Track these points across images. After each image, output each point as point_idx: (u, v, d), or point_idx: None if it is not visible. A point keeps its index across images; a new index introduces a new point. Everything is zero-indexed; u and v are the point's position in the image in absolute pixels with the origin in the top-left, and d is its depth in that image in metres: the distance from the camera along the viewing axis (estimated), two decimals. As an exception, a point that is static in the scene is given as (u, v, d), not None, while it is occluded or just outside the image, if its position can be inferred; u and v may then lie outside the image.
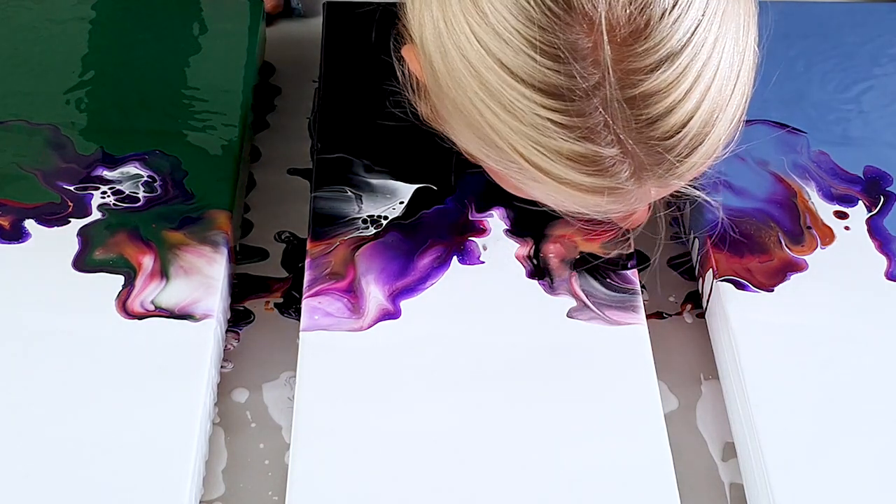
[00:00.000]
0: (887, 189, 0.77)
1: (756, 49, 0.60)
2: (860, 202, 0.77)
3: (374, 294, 0.71)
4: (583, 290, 0.72)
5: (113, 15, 0.86)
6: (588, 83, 0.55)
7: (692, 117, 0.57)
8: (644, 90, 0.56)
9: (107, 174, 0.76)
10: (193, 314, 0.69)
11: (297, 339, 0.70)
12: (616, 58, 0.55)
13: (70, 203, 0.74)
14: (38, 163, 0.76)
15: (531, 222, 0.75)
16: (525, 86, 0.56)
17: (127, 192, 0.75)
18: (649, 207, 0.69)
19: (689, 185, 0.63)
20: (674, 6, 0.55)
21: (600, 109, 0.56)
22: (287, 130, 0.85)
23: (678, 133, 0.57)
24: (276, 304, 0.74)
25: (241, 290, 0.75)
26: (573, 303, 0.71)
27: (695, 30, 0.56)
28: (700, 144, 0.58)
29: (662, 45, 0.55)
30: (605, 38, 0.55)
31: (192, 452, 0.63)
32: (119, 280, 0.70)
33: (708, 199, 0.65)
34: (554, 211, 0.65)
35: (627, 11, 0.55)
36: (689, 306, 0.76)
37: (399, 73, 0.67)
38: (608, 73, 0.55)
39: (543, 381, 0.68)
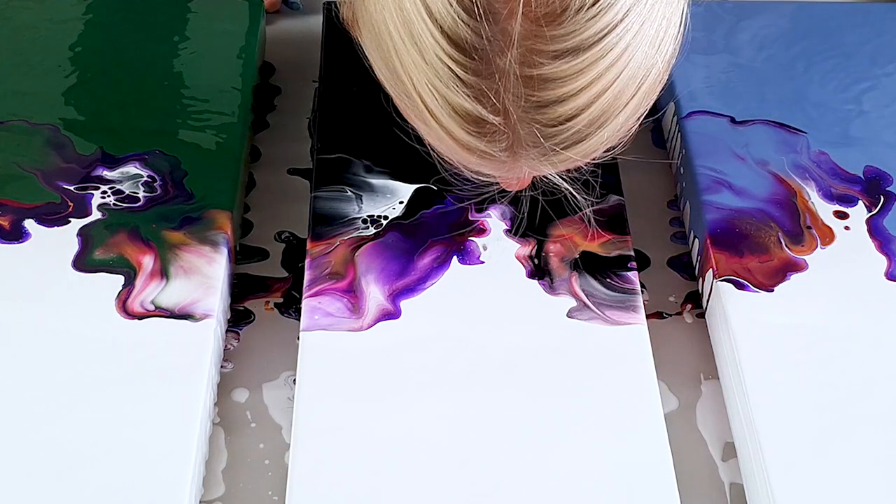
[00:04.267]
0: (887, 189, 0.77)
1: (669, 64, 0.60)
2: (860, 202, 0.77)
3: (374, 294, 0.71)
4: (583, 290, 0.72)
5: (113, 15, 0.86)
6: (493, 48, 0.56)
7: (580, 114, 0.57)
8: (542, 73, 0.56)
9: (107, 174, 0.76)
10: (193, 314, 0.69)
11: (297, 339, 0.70)
12: (524, 34, 0.55)
13: (70, 203, 0.74)
14: (38, 163, 0.76)
15: (532, 222, 0.75)
16: (437, 28, 0.56)
17: (127, 192, 0.75)
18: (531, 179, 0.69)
19: (561, 175, 0.63)
20: (594, 3, 0.55)
21: (496, 77, 0.56)
22: (287, 130, 0.85)
23: (562, 124, 0.58)
24: (276, 304, 0.74)
25: (241, 290, 0.75)
26: (573, 303, 0.71)
27: (608, 32, 0.56)
28: (581, 141, 0.59)
29: (572, 37, 0.55)
30: (521, 10, 0.55)
31: (192, 452, 0.63)
32: (119, 280, 0.70)
33: (575, 193, 0.64)
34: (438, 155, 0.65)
35: None
36: (689, 306, 0.76)
37: None
38: (513, 46, 0.55)
39: (543, 381, 0.68)
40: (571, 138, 0.58)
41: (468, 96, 0.57)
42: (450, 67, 0.56)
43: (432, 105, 0.58)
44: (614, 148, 0.61)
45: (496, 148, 0.59)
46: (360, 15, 0.62)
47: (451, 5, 0.55)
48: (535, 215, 0.75)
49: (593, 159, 0.61)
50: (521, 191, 0.70)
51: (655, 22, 0.57)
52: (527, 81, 0.56)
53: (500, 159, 0.60)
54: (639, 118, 0.60)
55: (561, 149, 0.59)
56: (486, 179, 0.64)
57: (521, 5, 0.55)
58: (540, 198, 0.72)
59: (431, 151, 0.64)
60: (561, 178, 0.63)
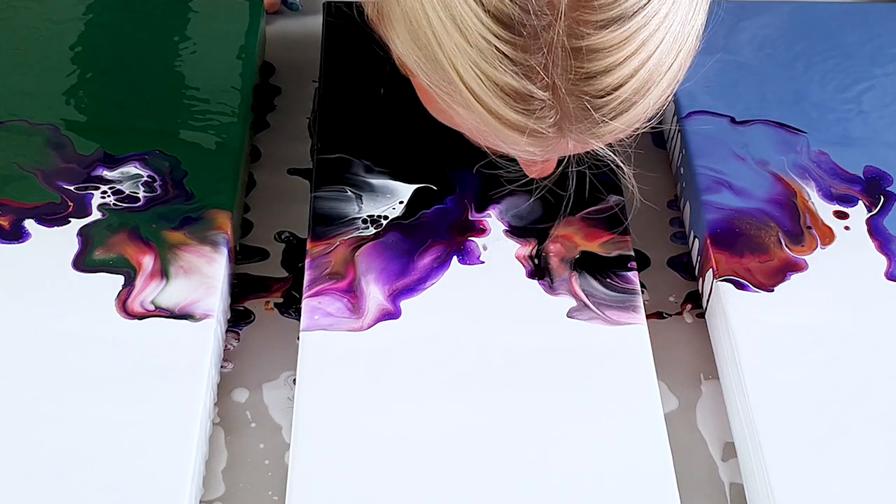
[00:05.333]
0: (887, 189, 0.77)
1: (699, 37, 0.61)
2: (860, 202, 0.77)
3: (374, 294, 0.71)
4: (583, 290, 0.72)
5: (113, 15, 0.86)
6: (540, 22, 0.56)
7: (626, 82, 0.58)
8: (589, 44, 0.57)
9: (107, 174, 0.76)
10: (193, 314, 0.69)
11: (297, 339, 0.70)
12: (571, 5, 0.56)
13: (70, 203, 0.74)
14: (38, 163, 0.76)
15: (532, 223, 0.75)
16: (481, 7, 0.56)
17: (127, 192, 0.75)
18: (557, 163, 0.70)
19: (605, 148, 0.64)
20: None
21: (544, 51, 0.57)
22: (287, 130, 0.85)
23: (610, 94, 0.58)
24: (276, 304, 0.74)
25: (241, 290, 0.75)
26: (573, 303, 0.71)
27: (649, 0, 0.57)
28: (626, 111, 0.60)
29: (616, 6, 0.56)
30: None
31: (192, 452, 0.63)
32: (119, 280, 0.70)
33: (622, 164, 0.65)
34: (474, 142, 0.66)
35: None
36: (689, 306, 0.76)
37: None
38: (560, 18, 0.56)
39: (543, 381, 0.68)
40: (618, 108, 0.59)
41: (516, 74, 0.57)
42: (496, 47, 0.57)
43: (477, 87, 0.58)
44: (653, 118, 0.62)
45: (544, 124, 0.59)
46: (389, 7, 0.62)
47: None
48: (536, 215, 0.75)
49: (635, 130, 0.62)
50: (545, 177, 0.71)
51: None
52: (574, 53, 0.57)
53: (547, 136, 0.60)
54: (677, 83, 0.62)
55: (608, 120, 0.59)
56: (515, 158, 0.65)
57: None
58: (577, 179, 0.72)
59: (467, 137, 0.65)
60: (607, 150, 0.64)
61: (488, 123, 0.60)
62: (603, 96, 0.58)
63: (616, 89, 0.58)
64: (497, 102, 0.59)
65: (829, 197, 0.77)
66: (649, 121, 0.62)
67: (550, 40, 0.57)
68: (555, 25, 0.56)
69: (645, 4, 0.57)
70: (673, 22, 0.58)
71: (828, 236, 0.75)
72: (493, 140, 0.62)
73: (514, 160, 0.69)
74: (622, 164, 0.65)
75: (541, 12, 0.56)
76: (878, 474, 0.64)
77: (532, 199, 0.74)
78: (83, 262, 0.71)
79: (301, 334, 0.69)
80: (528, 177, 0.71)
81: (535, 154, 0.63)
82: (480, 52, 0.57)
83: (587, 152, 0.65)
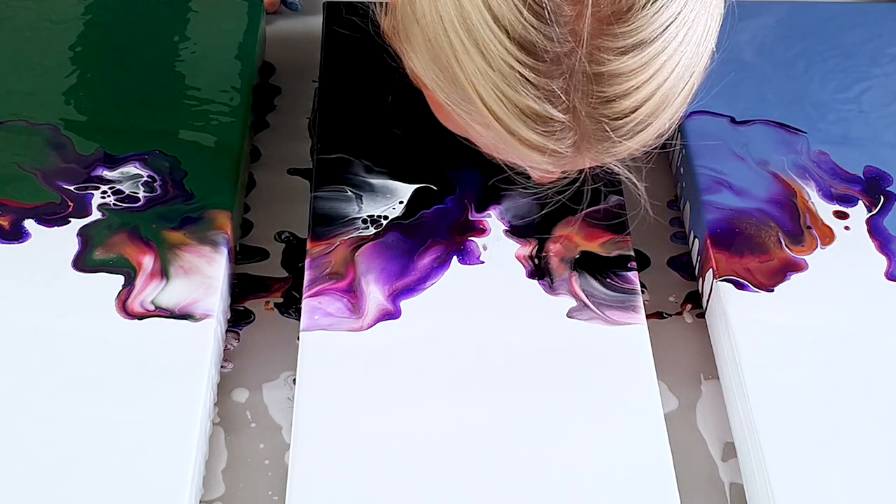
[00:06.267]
0: (887, 189, 0.77)
1: (714, 52, 0.63)
2: (860, 202, 0.77)
3: (374, 294, 0.71)
4: (583, 290, 0.72)
5: (112, 15, 0.86)
6: (562, 48, 0.57)
7: (643, 105, 0.60)
8: (609, 69, 0.58)
9: (107, 174, 0.76)
10: (193, 314, 0.69)
11: (297, 339, 0.70)
12: (593, 32, 0.57)
13: (70, 203, 0.74)
14: (38, 163, 0.76)
15: (532, 223, 0.75)
16: (504, 34, 0.57)
17: (127, 192, 0.75)
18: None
19: (618, 163, 0.65)
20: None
21: (566, 76, 0.58)
22: (287, 130, 0.85)
23: (627, 117, 0.60)
24: (276, 304, 0.74)
25: (241, 290, 0.75)
26: (573, 303, 0.71)
27: (668, 25, 0.58)
28: (642, 131, 0.61)
29: (637, 32, 0.58)
30: (589, 11, 0.57)
31: (192, 452, 0.63)
32: (119, 280, 0.70)
33: (634, 180, 0.67)
34: (485, 153, 0.66)
35: None
36: (689, 306, 0.76)
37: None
38: (582, 45, 0.57)
39: (543, 381, 0.68)
40: (634, 129, 0.61)
41: (538, 97, 0.58)
42: (519, 71, 0.58)
43: (499, 110, 0.59)
44: (664, 134, 0.63)
45: (563, 144, 0.60)
46: (409, 26, 0.63)
47: (521, 12, 0.57)
48: (535, 215, 0.75)
49: (649, 147, 0.63)
50: (555, 182, 0.72)
51: (706, 13, 0.60)
52: (595, 78, 0.58)
53: (565, 154, 0.61)
54: (688, 103, 0.63)
55: (625, 140, 0.61)
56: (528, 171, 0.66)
57: (589, 6, 0.57)
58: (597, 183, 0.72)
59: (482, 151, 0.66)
60: (620, 165, 0.65)
61: (507, 143, 0.61)
62: (621, 118, 0.60)
63: (633, 111, 0.60)
64: (518, 124, 0.60)
65: (829, 197, 0.77)
66: (660, 137, 0.63)
67: (572, 66, 0.58)
68: (577, 52, 0.57)
69: (663, 31, 0.58)
70: (688, 46, 0.60)
71: (828, 236, 0.75)
72: (511, 157, 0.64)
73: (523, 172, 0.69)
74: (637, 183, 0.67)
75: (563, 39, 0.57)
76: (878, 474, 0.64)
77: (545, 210, 0.74)
78: (83, 262, 0.71)
79: (301, 334, 0.69)
80: (538, 188, 0.71)
81: (551, 171, 0.65)
82: (503, 75, 0.58)
83: (602, 169, 0.66)
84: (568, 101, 0.59)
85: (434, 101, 0.67)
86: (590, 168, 0.67)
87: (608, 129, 0.60)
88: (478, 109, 0.60)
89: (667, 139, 0.64)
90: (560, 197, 0.72)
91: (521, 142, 0.61)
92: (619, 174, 0.66)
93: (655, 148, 0.64)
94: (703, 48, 0.61)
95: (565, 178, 0.69)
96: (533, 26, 0.57)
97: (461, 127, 0.65)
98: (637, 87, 0.59)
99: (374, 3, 0.68)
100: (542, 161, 0.62)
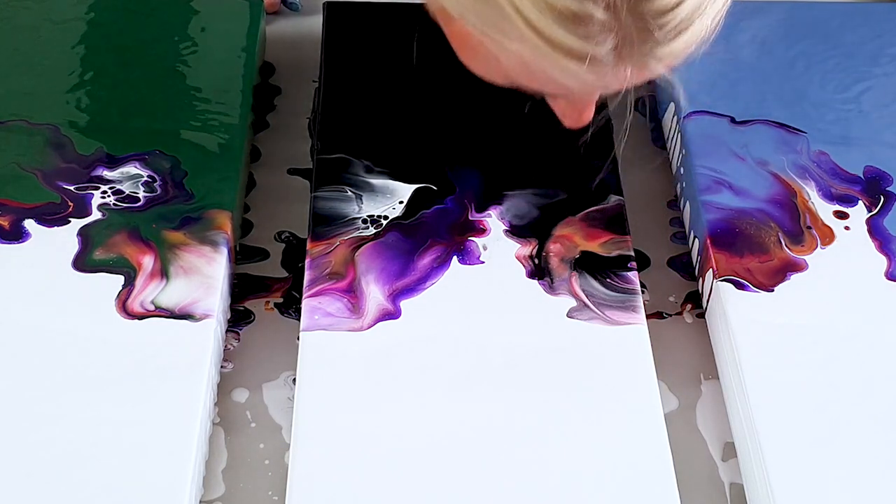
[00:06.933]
0: (887, 189, 0.77)
1: None
2: (860, 202, 0.77)
3: (374, 294, 0.71)
4: (583, 290, 0.72)
5: (113, 15, 0.86)
6: None
7: (684, 1, 0.58)
8: None
9: (107, 174, 0.76)
10: (193, 314, 0.69)
11: (297, 339, 0.70)
12: None
13: (70, 203, 0.74)
14: (38, 163, 0.76)
15: (532, 223, 0.75)
16: None
17: (127, 192, 0.75)
18: (596, 107, 0.69)
19: (661, 77, 0.63)
20: None
21: None
22: (287, 130, 0.85)
23: (669, 12, 0.58)
24: (276, 304, 0.74)
25: (241, 290, 0.75)
26: (573, 303, 0.71)
27: None
28: (686, 30, 0.59)
29: None
30: None
31: (192, 452, 0.63)
32: (119, 280, 0.70)
33: (676, 84, 0.65)
34: (513, 86, 0.64)
35: None
36: (689, 306, 0.76)
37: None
38: None
39: (543, 381, 0.68)
40: (678, 27, 0.58)
41: None
42: None
43: (533, 15, 0.57)
44: (706, 41, 0.61)
45: (603, 49, 0.58)
46: None
47: None
48: (536, 216, 0.75)
49: (689, 54, 0.61)
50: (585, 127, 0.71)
51: None
52: None
53: (604, 62, 0.59)
54: (726, 6, 0.61)
55: (668, 41, 0.59)
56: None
57: None
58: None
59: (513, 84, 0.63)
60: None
61: (544, 54, 0.58)
62: (662, 15, 0.57)
63: (675, 6, 0.57)
64: (555, 28, 0.57)
65: (829, 197, 0.77)
66: (702, 44, 0.61)
67: None
68: None
69: None
70: None
71: (828, 236, 0.75)
72: (546, 76, 0.61)
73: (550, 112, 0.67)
74: (675, 84, 0.65)
75: None
76: (877, 474, 0.64)
77: (580, 142, 0.72)
78: (83, 262, 0.71)
79: (301, 334, 0.69)
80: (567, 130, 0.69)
81: (590, 84, 0.61)
82: None
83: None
84: None
85: (460, 36, 0.65)
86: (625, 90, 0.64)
87: (650, 27, 0.58)
88: (511, 21, 0.58)
89: (706, 46, 0.61)
90: (588, 134, 0.69)
91: (557, 49, 0.58)
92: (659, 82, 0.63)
93: (694, 57, 0.61)
94: None
95: (599, 118, 0.66)
96: None
97: (489, 61, 0.63)
98: None
99: None
100: (582, 72, 0.59)
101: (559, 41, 0.58)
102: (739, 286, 0.72)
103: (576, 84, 0.61)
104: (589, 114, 0.69)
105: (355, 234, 0.74)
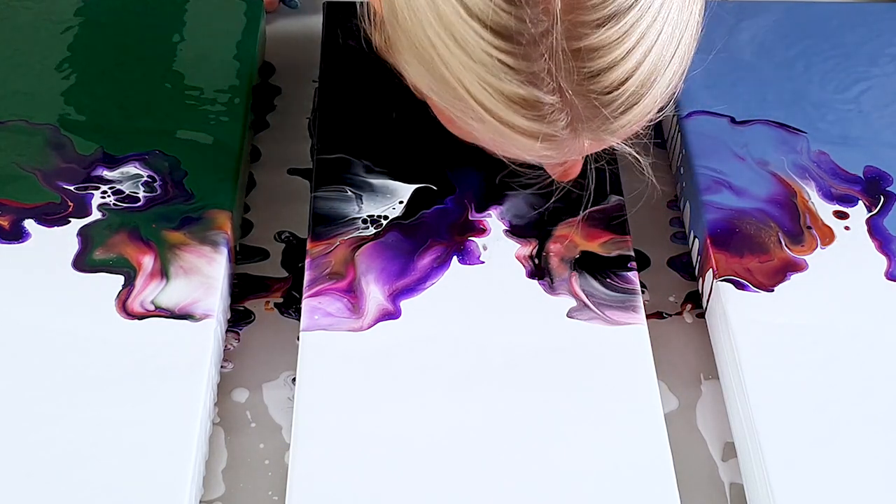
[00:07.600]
0: (887, 189, 0.77)
1: (700, 19, 0.62)
2: (860, 202, 0.77)
3: (374, 294, 0.71)
4: (583, 290, 0.72)
5: (113, 15, 0.86)
6: (537, 29, 0.57)
7: (631, 76, 0.59)
8: (588, 44, 0.58)
9: (107, 174, 0.76)
10: (193, 314, 0.69)
11: (297, 339, 0.70)
12: (565, 9, 0.57)
13: (70, 203, 0.74)
14: (38, 163, 0.76)
15: (532, 223, 0.75)
16: (479, 23, 0.57)
17: (127, 192, 0.75)
18: (583, 162, 0.71)
19: (622, 144, 0.64)
20: None
21: (545, 57, 0.58)
22: (287, 130, 0.85)
23: (616, 90, 0.59)
24: (276, 304, 0.74)
25: (241, 290, 0.75)
26: (573, 303, 0.71)
27: None
28: (636, 104, 0.60)
29: (610, 3, 0.57)
30: None
31: (192, 452, 0.63)
32: (119, 280, 0.70)
33: (638, 156, 0.66)
34: (494, 154, 0.66)
35: None
36: (689, 306, 0.76)
37: (357, 4, 0.69)
38: (556, 22, 0.57)
39: (543, 381, 0.68)
40: (627, 102, 0.60)
41: (522, 82, 0.58)
42: (499, 59, 0.58)
43: (486, 101, 0.59)
44: (664, 107, 0.63)
45: (557, 127, 0.60)
46: (395, 36, 0.63)
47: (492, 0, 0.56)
48: (536, 216, 0.75)
49: (648, 121, 0.63)
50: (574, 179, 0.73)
51: None
52: (575, 55, 0.58)
53: (561, 138, 0.61)
54: (683, 70, 0.62)
55: (619, 115, 0.60)
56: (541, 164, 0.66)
57: None
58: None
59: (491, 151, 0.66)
60: (624, 144, 0.65)
61: (503, 134, 0.61)
62: (610, 92, 0.59)
63: (622, 84, 0.59)
64: (508, 112, 0.59)
65: (829, 197, 0.77)
66: (661, 111, 0.63)
67: (550, 45, 0.57)
68: (552, 31, 0.57)
69: None
70: (670, 10, 0.59)
71: (828, 236, 0.75)
72: (512, 149, 0.63)
73: (537, 167, 0.70)
74: (639, 156, 0.66)
75: (537, 19, 0.57)
76: (877, 474, 0.64)
77: (550, 203, 0.74)
78: (83, 262, 0.71)
79: (301, 334, 0.69)
80: (544, 184, 0.71)
81: (553, 157, 0.64)
82: (484, 66, 0.58)
83: (604, 150, 0.66)
84: (553, 81, 0.58)
85: (437, 109, 0.68)
86: (594, 153, 0.66)
87: (598, 104, 0.59)
88: (469, 105, 0.60)
89: (667, 112, 0.63)
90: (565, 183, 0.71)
91: (514, 130, 0.60)
92: (621, 153, 0.65)
93: (655, 122, 0.63)
94: (689, 11, 0.60)
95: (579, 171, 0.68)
96: (504, 10, 0.57)
97: (465, 130, 0.65)
98: (621, 58, 0.58)
99: (365, 22, 0.68)
100: (541, 147, 0.61)
101: (513, 123, 0.60)
102: (739, 286, 0.72)
103: (538, 157, 0.64)
104: (575, 170, 0.71)
105: (355, 234, 0.74)
